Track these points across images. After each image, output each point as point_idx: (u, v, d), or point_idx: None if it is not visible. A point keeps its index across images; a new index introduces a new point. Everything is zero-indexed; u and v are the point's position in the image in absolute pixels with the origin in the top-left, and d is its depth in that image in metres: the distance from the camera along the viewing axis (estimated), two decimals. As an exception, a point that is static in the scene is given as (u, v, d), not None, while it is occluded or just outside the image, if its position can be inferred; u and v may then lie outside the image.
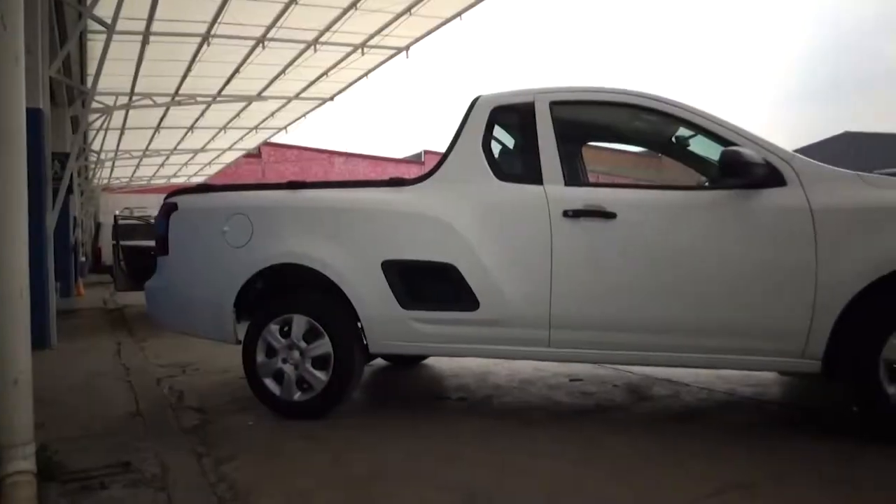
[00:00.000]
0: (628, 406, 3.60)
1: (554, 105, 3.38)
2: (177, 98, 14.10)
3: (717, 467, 2.63)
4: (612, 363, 4.12)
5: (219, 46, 11.30)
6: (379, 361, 4.84)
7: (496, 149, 3.54)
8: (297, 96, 15.25)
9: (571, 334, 3.18)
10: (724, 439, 2.99)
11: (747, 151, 2.94)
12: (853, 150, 28.10)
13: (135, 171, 25.44)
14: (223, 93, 14.26)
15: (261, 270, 3.55)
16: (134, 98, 13.84)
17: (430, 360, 4.88)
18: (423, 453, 2.92)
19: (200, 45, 11.09)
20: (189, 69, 12.35)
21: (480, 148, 3.40)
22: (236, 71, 12.92)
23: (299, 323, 3.47)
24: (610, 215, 3.11)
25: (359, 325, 3.47)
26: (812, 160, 3.04)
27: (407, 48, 12.42)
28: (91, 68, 11.14)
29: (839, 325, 2.82)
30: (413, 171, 17.94)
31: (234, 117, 16.92)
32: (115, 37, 8.57)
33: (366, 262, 3.40)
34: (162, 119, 16.37)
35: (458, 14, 10.62)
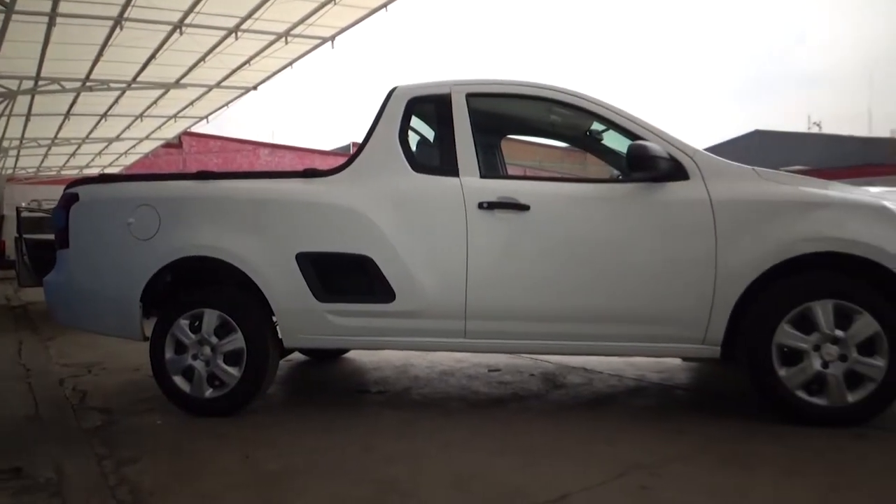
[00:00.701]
0: (543, 394, 3.68)
1: (470, 97, 3.39)
2: (88, 83, 13.39)
3: (623, 450, 2.72)
4: (526, 353, 4.20)
5: (133, 30, 10.80)
6: (298, 356, 4.76)
7: (413, 140, 3.53)
8: (218, 85, 14.78)
9: (487, 325, 3.21)
10: (632, 423, 3.10)
11: (653, 146, 3.04)
12: (762, 148, 29.65)
13: (42, 161, 24.07)
14: (139, 79, 13.66)
15: (169, 264, 3.42)
16: (40, 83, 13.05)
17: (351, 354, 4.83)
18: (338, 448, 2.89)
19: (113, 29, 10.57)
20: (101, 53, 11.76)
21: (397, 139, 3.38)
22: (152, 56, 12.39)
23: (210, 317, 3.36)
24: (524, 207, 3.15)
25: (273, 318, 3.39)
26: (713, 155, 3.17)
27: (332, 38, 12.23)
28: (-11, 50, 10.43)
29: (736, 312, 2.97)
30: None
31: (152, 105, 16.24)
32: (16, 17, 8.06)
33: (279, 254, 3.32)
34: (72, 106, 15.53)
35: (384, 5, 10.54)
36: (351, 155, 3.45)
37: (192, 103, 16.33)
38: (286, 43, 12.17)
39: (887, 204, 2.98)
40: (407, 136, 3.42)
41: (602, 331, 3.12)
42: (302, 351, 4.70)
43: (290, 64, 13.60)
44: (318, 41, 12.36)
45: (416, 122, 3.62)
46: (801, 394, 2.91)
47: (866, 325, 2.84)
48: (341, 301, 3.30)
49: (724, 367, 3.96)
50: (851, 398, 2.87)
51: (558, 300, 3.12)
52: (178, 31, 11.01)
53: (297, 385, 4.27)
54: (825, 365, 2.89)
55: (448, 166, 3.30)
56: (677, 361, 4.23)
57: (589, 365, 4.26)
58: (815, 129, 33.53)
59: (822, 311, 2.88)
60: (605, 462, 2.60)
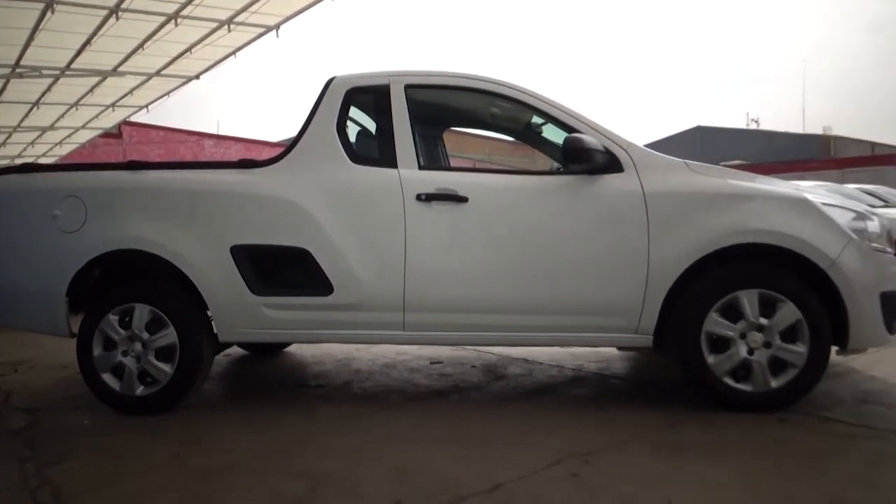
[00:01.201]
0: (484, 386, 3.70)
1: (409, 88, 3.37)
2: (18, 70, 12.77)
3: (559, 439, 2.76)
4: (466, 344, 4.21)
5: (66, 14, 10.34)
6: (237, 351, 4.67)
7: (352, 131, 3.49)
8: (158, 73, 14.30)
9: (426, 317, 3.20)
10: (569, 413, 3.15)
11: (588, 139, 3.08)
12: (704, 143, 30.53)
13: (-31, 151, 22.87)
14: (73, 66, 13.09)
15: (97, 257, 3.30)
16: (-36, 69, 12.39)
17: (292, 348, 4.77)
18: (274, 443, 2.85)
19: (44, 12, 10.08)
20: (31, 38, 11.21)
21: (334, 130, 3.33)
22: (87, 42, 11.89)
23: (141, 312, 3.26)
24: (462, 199, 3.15)
25: (207, 313, 3.31)
26: (646, 148, 3.24)
27: (277, 27, 11.99)
28: None
29: (668, 302, 3.04)
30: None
31: (88, 93, 15.59)
32: (-69, -3, 7.61)
33: (213, 247, 3.24)
34: (0, 93, 14.77)
35: (330, -6, 10.38)
36: (288, 146, 3.39)
37: (130, 92, 15.76)
38: (229, 31, 11.86)
39: (808, 197, 3.10)
40: (345, 126, 3.37)
41: (539, 322, 3.16)
42: (241, 345, 4.61)
43: (234, 53, 13.27)
44: (263, 30, 12.09)
45: (355, 113, 3.59)
46: (728, 380, 3.01)
47: (789, 313, 2.96)
48: (278, 294, 3.25)
49: (660, 356, 4.06)
50: (775, 384, 2.99)
51: (496, 292, 3.14)
52: (114, 15, 10.59)
53: (235, 380, 4.18)
54: (751, 352, 2.99)
55: (386, 158, 3.27)
56: (615, 351, 4.32)
57: (531, 356, 4.31)
58: (753, 126, 34.73)
59: (748, 300, 2.98)
60: (541, 451, 2.63)
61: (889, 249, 3.17)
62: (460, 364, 4.21)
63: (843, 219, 3.05)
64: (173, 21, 11.17)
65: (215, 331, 3.34)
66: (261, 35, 12.28)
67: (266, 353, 4.66)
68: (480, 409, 3.29)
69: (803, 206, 3.07)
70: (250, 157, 3.48)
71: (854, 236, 3.00)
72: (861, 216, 3.12)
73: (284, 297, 3.24)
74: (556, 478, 2.39)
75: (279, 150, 3.40)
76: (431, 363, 4.24)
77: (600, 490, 2.28)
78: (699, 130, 32.70)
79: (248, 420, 3.18)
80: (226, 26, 11.64)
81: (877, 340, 3.07)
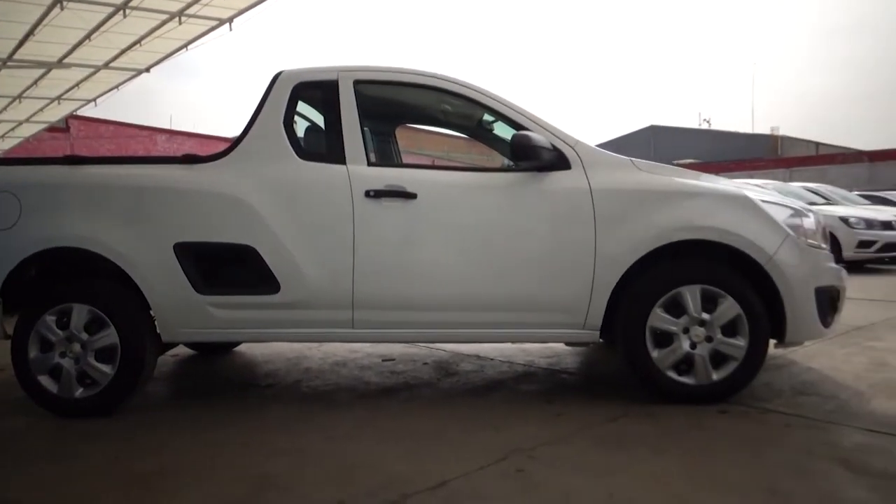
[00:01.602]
0: (435, 383, 3.70)
1: (358, 83, 3.34)
2: (-46, 60, 12.26)
3: (507, 435, 2.78)
4: (415, 342, 4.21)
5: (6, 3, 9.97)
6: (185, 351, 4.57)
7: (300, 127, 3.44)
8: (106, 66, 13.91)
9: (375, 315, 3.18)
10: (518, 408, 3.17)
11: (536, 136, 3.10)
12: (657, 142, 31.14)
13: None
14: (15, 57, 12.63)
15: (32, 256, 3.18)
16: None
17: (242, 347, 4.69)
18: (219, 444, 2.79)
19: (-19, 0, 9.71)
20: (-32, 27, 10.79)
21: (281, 125, 3.28)
22: (30, 33, 11.50)
23: (80, 313, 3.15)
24: (411, 195, 3.14)
25: (150, 312, 3.23)
26: (593, 146, 3.28)
27: (230, 20, 11.78)
28: None
29: (614, 297, 3.09)
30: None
31: (32, 85, 15.07)
32: None
33: (156, 244, 3.16)
34: (-64, 84, 14.17)
35: (284, -13, 10.23)
36: (233, 141, 3.32)
37: (77, 85, 15.30)
38: (180, 23, 11.61)
39: (749, 194, 3.19)
40: (292, 122, 3.32)
41: (488, 318, 3.17)
42: (189, 345, 4.51)
43: (186, 46, 12.99)
44: (216, 22, 11.87)
45: (304, 108, 3.54)
46: (672, 374, 3.08)
47: (729, 307, 3.03)
48: (223, 293, 3.18)
49: (608, 351, 4.13)
50: (716, 376, 3.06)
51: (445, 289, 3.14)
52: (58, 5, 10.26)
53: (181, 381, 4.09)
54: (693, 346, 3.06)
55: (334, 154, 3.23)
56: (566, 346, 4.36)
57: (482, 352, 4.33)
58: (705, 125, 35.57)
59: (691, 295, 3.05)
60: (487, 447, 2.64)
61: (824, 246, 3.28)
62: (412, 361, 4.20)
63: (781, 216, 3.15)
64: (121, 12, 10.88)
65: (158, 331, 3.25)
66: (213, 28, 12.05)
67: (215, 352, 4.57)
68: (430, 406, 3.29)
69: (744, 203, 3.15)
70: (206, 153, 3.38)
71: (791, 233, 3.10)
72: (797, 213, 3.22)
73: (230, 295, 3.18)
74: (501, 473, 2.40)
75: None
76: (383, 361, 4.22)
77: (544, 484, 2.30)
78: (653, 130, 33.33)
79: (193, 421, 3.11)
80: (176, 18, 11.39)
81: (812, 333, 3.18)
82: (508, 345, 4.33)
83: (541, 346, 4.35)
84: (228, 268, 3.22)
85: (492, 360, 4.17)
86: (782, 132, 32.94)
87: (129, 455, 2.68)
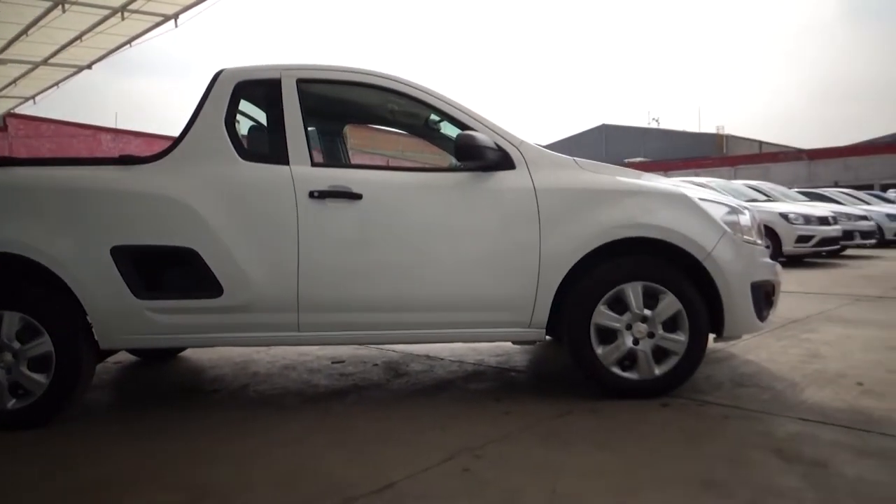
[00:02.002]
0: (384, 384, 3.68)
1: (301, 82, 3.29)
2: None
3: (454, 435, 2.79)
4: (363, 343, 4.18)
5: (-67, -4, 9.52)
6: (128, 357, 4.44)
7: (243, 127, 3.38)
8: (45, 62, 13.40)
9: (321, 317, 3.15)
10: (466, 408, 3.18)
11: (480, 136, 3.12)
12: (609, 140, 31.69)
13: None
14: (-55, 52, 12.07)
15: (-43, 262, 3.04)
16: None
17: (188, 353, 4.58)
18: (158, 454, 2.71)
19: None
20: None
21: (223, 125, 3.21)
22: (-39, 27, 10.99)
23: (11, 320, 3.02)
24: (356, 196, 3.12)
25: (87, 319, 3.12)
26: (537, 146, 3.31)
27: (175, 16, 11.50)
28: None
29: (559, 295, 3.13)
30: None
31: (-36, 82, 14.42)
32: None
33: (92, 248, 3.06)
34: None
35: (230, -16, 10.04)
36: (173, 141, 3.23)
37: (14, 81, 14.71)
38: (123, 19, 11.27)
39: (687, 193, 3.27)
40: (234, 121, 3.26)
41: (435, 318, 3.17)
42: (132, 351, 4.38)
43: (129, 42, 12.63)
44: (160, 18, 11.57)
45: (247, 108, 3.47)
46: (616, 369, 3.14)
47: (670, 304, 3.11)
48: (163, 297, 3.10)
49: (558, 348, 4.18)
50: (658, 371, 3.14)
51: (391, 290, 3.13)
52: (-10, -1, 9.84)
53: (123, 388, 3.97)
54: (636, 342, 3.13)
55: (278, 154, 3.18)
56: (513, 345, 4.39)
57: (433, 352, 4.33)
58: (654, 124, 36.36)
59: (633, 292, 3.11)
60: (435, 448, 2.64)
61: (759, 241, 3.39)
62: (362, 363, 4.17)
63: (718, 213, 3.24)
64: (60, 6, 10.50)
65: (96, 338, 3.15)
66: (158, 24, 11.75)
67: (159, 358, 4.45)
68: (378, 407, 3.27)
69: (683, 201, 3.23)
70: (152, 153, 3.27)
71: (728, 229, 3.19)
72: (734, 210, 3.32)
73: (171, 300, 3.10)
74: (447, 473, 2.41)
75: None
76: (333, 363, 4.18)
77: (489, 483, 2.31)
78: (604, 129, 33.91)
79: (133, 430, 3.02)
80: (119, 14, 11.06)
81: (749, 327, 3.28)
82: (459, 344, 4.35)
83: (491, 344, 4.38)
84: (168, 271, 3.14)
85: (442, 359, 4.18)
86: (727, 131, 33.97)
87: (66, 468, 2.59)
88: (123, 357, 4.40)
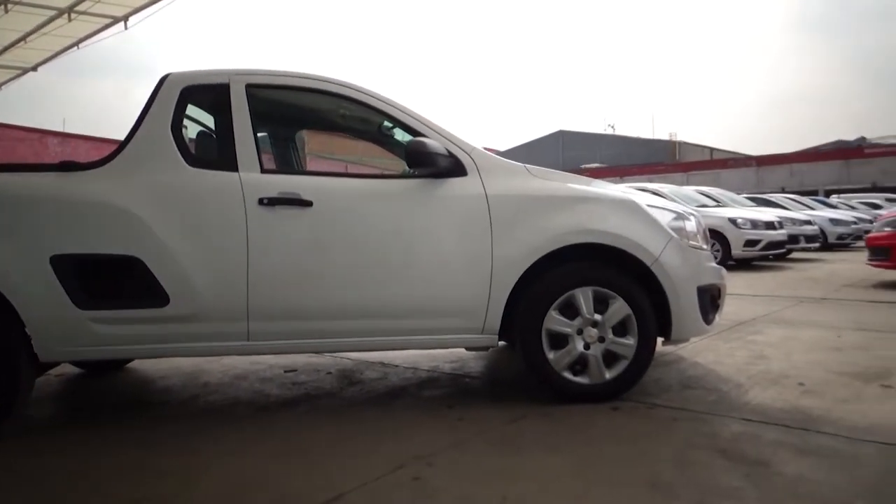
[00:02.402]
0: (337, 392, 3.64)
1: (251, 88, 3.25)
2: None
3: (405, 443, 2.77)
4: (315, 352, 4.13)
5: None
6: (71, 369, 4.29)
7: (190, 133, 3.31)
8: (-14, 63, 12.92)
9: (271, 326, 3.10)
10: (418, 415, 3.17)
11: (432, 142, 3.12)
12: (566, 146, 32.13)
13: None
14: None
15: None
16: None
17: (136, 364, 4.45)
18: (101, 469, 2.63)
19: None
20: None
21: (169, 131, 3.14)
22: None
23: (-58, 333, 2.90)
24: (306, 203, 3.08)
25: (25, 330, 3.00)
26: (489, 153, 3.33)
27: (125, 18, 11.23)
28: None
29: (511, 301, 3.15)
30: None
31: None
32: None
33: (30, 257, 2.95)
34: None
35: (182, -14, 9.85)
36: (116, 147, 3.15)
37: (-46, 83, 14.13)
38: (70, 20, 10.95)
39: (636, 199, 3.33)
40: (180, 127, 3.19)
41: (388, 326, 3.15)
42: (76, 363, 4.24)
43: (77, 44, 12.28)
44: (109, 20, 11.29)
45: (196, 113, 3.41)
46: (567, 374, 3.17)
47: (620, 308, 3.16)
48: (107, 307, 3.01)
49: (512, 354, 4.20)
50: (609, 375, 3.18)
51: (343, 297, 3.10)
52: (-74, -3, 9.46)
53: (67, 402, 3.83)
54: (587, 347, 3.17)
55: (226, 160, 3.13)
56: (467, 351, 4.40)
57: (387, 359, 4.31)
58: (609, 131, 37.02)
59: (584, 297, 3.15)
60: (386, 456, 2.62)
61: (705, 246, 3.48)
62: (315, 371, 4.12)
63: (665, 219, 3.31)
64: (3, 6, 10.15)
65: (35, 350, 3.03)
66: (107, 26, 11.46)
67: (104, 370, 4.32)
68: (330, 416, 3.23)
69: (631, 207, 3.29)
70: (98, 158, 3.17)
71: (674, 235, 3.26)
72: (680, 216, 3.40)
73: (114, 310, 3.01)
74: (397, 482, 2.39)
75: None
76: (285, 372, 4.12)
77: (440, 491, 2.30)
78: (561, 135, 34.38)
79: (75, 446, 2.92)
80: (65, 15, 10.75)
81: (696, 331, 3.36)
82: (414, 351, 4.33)
83: (446, 351, 4.38)
84: (112, 281, 3.05)
85: (397, 366, 4.16)
86: (680, 138, 34.83)
87: (1, 486, 2.49)
88: (67, 369, 4.26)
